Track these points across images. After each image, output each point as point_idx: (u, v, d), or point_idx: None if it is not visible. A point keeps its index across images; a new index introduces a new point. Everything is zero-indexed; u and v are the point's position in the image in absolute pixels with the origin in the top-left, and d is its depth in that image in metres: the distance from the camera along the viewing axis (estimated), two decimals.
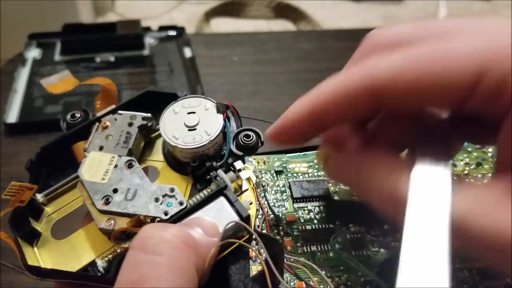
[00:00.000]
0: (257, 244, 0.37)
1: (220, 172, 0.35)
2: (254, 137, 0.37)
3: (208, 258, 0.29)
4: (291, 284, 0.37)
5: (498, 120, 0.26)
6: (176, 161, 0.38)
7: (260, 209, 0.41)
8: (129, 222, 0.32)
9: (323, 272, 0.38)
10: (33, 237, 0.36)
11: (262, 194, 0.43)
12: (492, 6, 2.20)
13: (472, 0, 2.19)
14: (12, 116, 0.83)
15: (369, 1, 2.07)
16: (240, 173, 0.36)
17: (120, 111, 0.39)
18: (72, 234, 0.36)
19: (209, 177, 0.36)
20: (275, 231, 0.41)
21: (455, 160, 0.47)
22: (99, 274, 0.32)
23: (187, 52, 1.01)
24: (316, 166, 0.46)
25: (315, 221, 0.42)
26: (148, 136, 0.40)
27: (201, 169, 0.36)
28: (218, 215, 0.33)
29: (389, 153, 0.30)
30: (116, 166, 0.36)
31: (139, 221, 0.32)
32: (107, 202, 0.33)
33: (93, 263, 0.33)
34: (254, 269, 0.37)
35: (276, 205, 0.42)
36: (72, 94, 0.87)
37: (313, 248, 0.40)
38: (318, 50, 1.07)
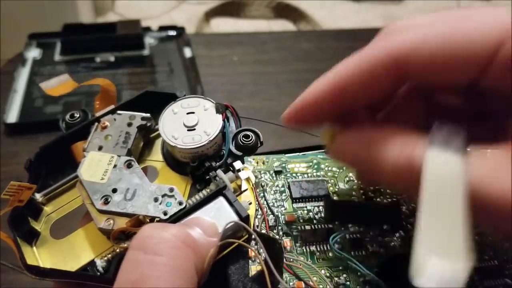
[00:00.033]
0: (256, 244, 0.37)
1: (219, 172, 0.35)
2: (253, 137, 0.37)
3: (208, 258, 0.29)
4: (290, 284, 0.37)
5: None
6: (175, 161, 0.38)
7: (259, 209, 0.41)
8: (128, 222, 0.32)
9: (322, 272, 0.38)
10: (32, 237, 0.36)
11: (261, 194, 0.43)
12: (492, 6, 2.20)
13: (472, 0, 2.19)
14: (12, 116, 0.83)
15: (369, 1, 2.07)
16: (240, 173, 0.36)
17: (119, 111, 0.39)
18: (71, 233, 0.36)
19: (208, 177, 0.36)
20: (274, 231, 0.41)
21: None
22: (98, 273, 0.32)
23: (187, 52, 1.01)
24: (316, 166, 0.46)
25: (314, 221, 0.42)
26: (147, 136, 0.40)
27: (200, 169, 0.36)
28: (218, 215, 0.33)
29: (404, 127, 0.30)
30: (115, 166, 0.36)
31: (138, 221, 0.32)
32: (106, 202, 0.33)
33: (92, 263, 0.33)
34: (253, 269, 0.37)
35: (275, 205, 0.42)
36: (72, 94, 0.87)
37: (312, 248, 0.40)
38: (318, 50, 1.07)
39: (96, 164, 0.36)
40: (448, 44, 0.27)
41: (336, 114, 0.34)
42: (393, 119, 0.35)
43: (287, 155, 0.47)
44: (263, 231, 0.40)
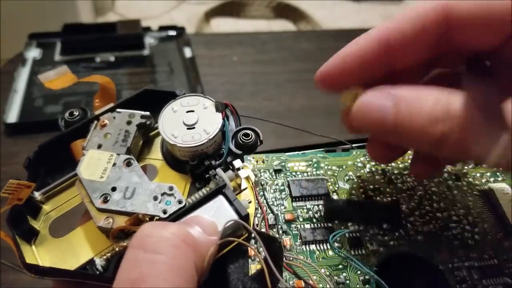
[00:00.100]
0: (256, 242, 0.37)
1: (219, 170, 0.35)
2: (253, 136, 0.37)
3: (207, 257, 0.29)
4: (290, 282, 0.37)
5: None
6: (175, 159, 0.38)
7: (259, 208, 0.41)
8: (128, 221, 0.32)
9: (322, 270, 0.38)
10: (31, 235, 0.35)
11: (261, 193, 0.43)
12: None
13: None
14: (12, 116, 0.83)
15: (369, 1, 2.06)
16: (239, 172, 0.36)
17: (118, 110, 0.39)
18: (71, 232, 0.36)
19: (208, 175, 0.35)
20: (274, 229, 0.41)
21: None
22: (98, 272, 0.32)
23: (187, 52, 1.01)
24: (315, 165, 0.46)
25: (314, 220, 0.41)
26: (146, 134, 0.40)
27: (200, 168, 0.36)
28: (217, 214, 0.33)
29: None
30: (114, 164, 0.36)
31: (137, 220, 0.32)
32: (105, 201, 0.33)
33: (91, 262, 0.33)
34: (253, 267, 0.37)
35: (275, 204, 0.42)
36: (72, 94, 0.87)
37: (312, 246, 0.40)
38: (318, 50, 1.07)
39: (95, 163, 0.36)
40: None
41: (374, 75, 0.34)
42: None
43: (286, 154, 0.47)
44: (263, 230, 0.40)
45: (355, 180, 0.45)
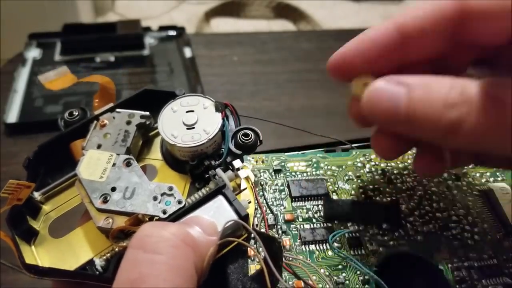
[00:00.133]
0: (255, 243, 0.37)
1: (219, 171, 0.35)
2: (253, 136, 0.37)
3: (207, 257, 0.29)
4: (290, 283, 0.37)
5: None
6: (175, 159, 0.38)
7: (258, 208, 0.41)
8: (128, 221, 0.32)
9: (322, 270, 0.38)
10: (30, 236, 0.35)
11: (261, 193, 0.43)
12: None
13: None
14: (12, 116, 0.83)
15: (369, 1, 2.06)
16: (239, 172, 0.36)
17: (118, 109, 0.39)
18: (70, 232, 0.36)
19: (207, 176, 0.36)
20: (274, 230, 0.41)
21: None
22: (97, 272, 0.32)
23: (187, 52, 1.01)
24: (315, 165, 0.46)
25: (314, 220, 0.41)
26: (146, 134, 0.40)
27: (199, 168, 0.36)
28: (217, 214, 0.33)
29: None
30: (114, 164, 0.36)
31: (137, 220, 0.32)
32: (105, 201, 0.33)
33: (91, 262, 0.33)
34: (253, 268, 0.37)
35: (275, 204, 0.42)
36: (72, 94, 0.87)
37: (312, 247, 0.40)
38: (318, 50, 1.07)
39: (95, 163, 0.36)
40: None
41: (387, 65, 0.34)
42: None
43: (286, 154, 0.47)
44: (263, 230, 0.40)
45: (355, 180, 0.45)
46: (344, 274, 0.38)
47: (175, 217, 0.33)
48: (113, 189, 0.34)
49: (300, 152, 0.48)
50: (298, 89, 0.96)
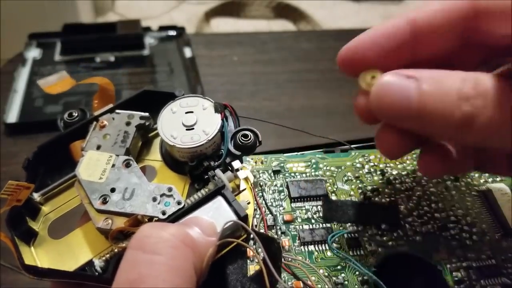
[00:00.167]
0: (255, 243, 0.37)
1: (218, 171, 0.35)
2: (252, 137, 0.37)
3: (206, 258, 0.29)
4: (289, 283, 0.37)
5: None
6: (174, 160, 0.38)
7: (257, 209, 0.41)
8: (127, 222, 0.32)
9: (321, 271, 0.38)
10: (30, 237, 0.36)
11: (260, 194, 0.43)
12: None
13: None
14: (12, 116, 0.84)
15: (369, 1, 2.06)
16: (238, 173, 0.36)
17: (117, 110, 0.39)
18: (69, 233, 0.36)
19: (207, 176, 0.36)
20: (273, 230, 0.41)
21: None
22: (97, 273, 0.32)
23: (187, 52, 1.02)
24: (314, 166, 0.46)
25: (313, 221, 0.42)
26: (145, 135, 0.40)
27: (199, 169, 0.36)
28: (216, 215, 0.33)
29: None
30: (113, 165, 0.36)
31: (136, 221, 0.32)
32: (104, 202, 0.33)
33: (90, 263, 0.33)
34: (252, 268, 0.37)
35: (274, 205, 0.42)
36: (72, 94, 0.87)
37: (311, 247, 0.40)
38: (318, 50, 1.07)
39: (94, 164, 0.36)
40: None
41: (398, 60, 0.33)
42: None
43: (285, 154, 0.47)
44: (262, 231, 0.40)
45: (354, 180, 0.45)
46: (343, 275, 0.38)
47: (174, 218, 0.33)
48: (113, 190, 0.34)
49: (299, 153, 0.48)
50: (298, 89, 0.96)
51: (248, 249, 0.36)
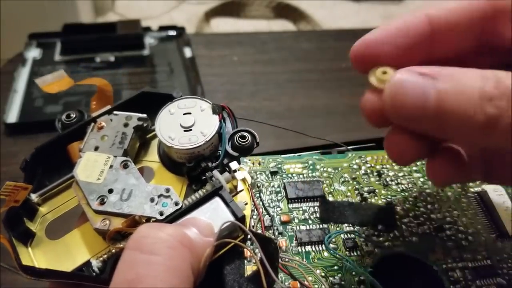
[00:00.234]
0: (252, 244, 0.37)
1: (216, 172, 0.35)
2: (250, 138, 0.37)
3: (204, 258, 0.30)
4: (286, 283, 0.37)
5: None
6: (172, 161, 0.38)
7: (255, 210, 0.41)
8: (125, 222, 0.32)
9: (318, 271, 0.38)
10: (27, 237, 0.36)
11: (257, 195, 0.43)
12: None
13: None
14: (12, 116, 0.84)
15: (369, 1, 2.06)
16: (236, 174, 0.36)
17: (115, 112, 0.39)
18: (67, 234, 0.36)
19: (204, 177, 0.36)
20: (270, 231, 0.41)
21: None
22: (94, 274, 0.32)
23: (187, 52, 1.02)
24: (311, 167, 0.46)
25: (310, 221, 0.42)
26: (143, 136, 0.40)
27: (196, 170, 0.36)
28: (214, 215, 0.33)
29: None
30: (111, 166, 0.36)
31: (134, 221, 0.32)
32: (102, 202, 0.34)
33: (88, 263, 0.33)
34: (249, 269, 0.37)
35: (271, 206, 0.43)
36: (72, 94, 0.88)
37: (308, 248, 0.40)
38: (318, 50, 1.08)
39: (92, 165, 0.36)
40: None
41: (412, 57, 0.32)
42: None
43: (283, 156, 0.47)
44: (259, 231, 0.40)
45: (351, 182, 0.45)
46: (339, 275, 0.38)
47: (172, 219, 0.33)
48: (110, 191, 0.34)
49: (296, 154, 0.48)
50: (298, 89, 0.96)
51: (245, 249, 0.36)
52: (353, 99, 0.88)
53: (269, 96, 0.94)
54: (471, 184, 0.46)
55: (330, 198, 0.43)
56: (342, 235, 0.41)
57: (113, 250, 0.33)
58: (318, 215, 0.42)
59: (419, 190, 0.45)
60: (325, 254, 0.40)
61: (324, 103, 0.92)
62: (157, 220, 0.33)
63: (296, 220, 0.42)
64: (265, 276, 0.30)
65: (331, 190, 0.44)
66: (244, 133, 0.38)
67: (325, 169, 0.46)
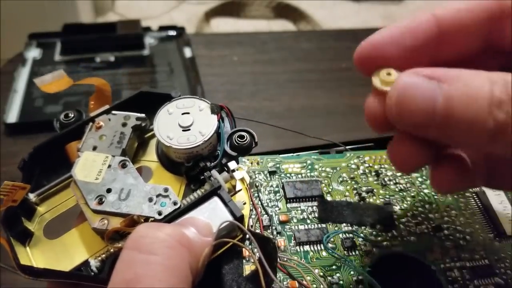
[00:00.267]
0: (250, 244, 0.37)
1: (214, 172, 0.35)
2: (248, 138, 0.37)
3: (202, 258, 0.30)
4: (284, 283, 0.37)
5: None
6: (170, 161, 0.38)
7: (253, 209, 0.41)
8: (123, 222, 0.32)
9: (316, 271, 0.38)
10: (25, 237, 0.36)
11: (256, 194, 0.43)
12: None
13: None
14: (12, 116, 0.84)
15: (369, 1, 2.06)
16: (234, 174, 0.36)
17: (114, 111, 0.39)
18: (65, 234, 0.36)
19: (203, 177, 0.36)
20: (269, 231, 0.41)
21: None
22: (92, 273, 0.32)
23: (187, 52, 1.01)
24: (309, 167, 0.46)
25: (308, 221, 0.42)
26: (142, 136, 0.40)
27: (195, 170, 0.36)
28: (212, 215, 0.33)
29: None
30: (109, 166, 0.36)
31: (132, 221, 0.32)
32: (100, 202, 0.34)
33: (86, 263, 0.33)
34: (248, 268, 0.37)
35: (270, 205, 0.43)
36: (72, 94, 0.87)
37: (306, 247, 0.40)
38: (318, 50, 1.07)
39: (90, 164, 0.36)
40: None
41: (419, 59, 0.31)
42: None
43: (281, 155, 0.47)
44: (257, 231, 0.40)
45: (349, 181, 0.45)
46: (338, 275, 0.38)
47: (170, 218, 0.33)
48: (109, 190, 0.34)
49: (295, 154, 0.48)
50: (298, 89, 0.96)
51: (244, 249, 0.36)
52: (353, 99, 0.88)
53: (269, 96, 0.94)
54: None
55: (329, 198, 0.44)
56: (340, 235, 0.41)
57: (112, 250, 0.33)
58: (316, 215, 0.42)
59: (417, 190, 0.45)
60: (324, 253, 0.40)
61: (324, 103, 0.92)
62: (155, 220, 0.33)
63: (295, 220, 0.42)
64: (263, 276, 0.30)
65: (330, 190, 0.44)
66: (243, 133, 0.38)
67: (323, 169, 0.46)
